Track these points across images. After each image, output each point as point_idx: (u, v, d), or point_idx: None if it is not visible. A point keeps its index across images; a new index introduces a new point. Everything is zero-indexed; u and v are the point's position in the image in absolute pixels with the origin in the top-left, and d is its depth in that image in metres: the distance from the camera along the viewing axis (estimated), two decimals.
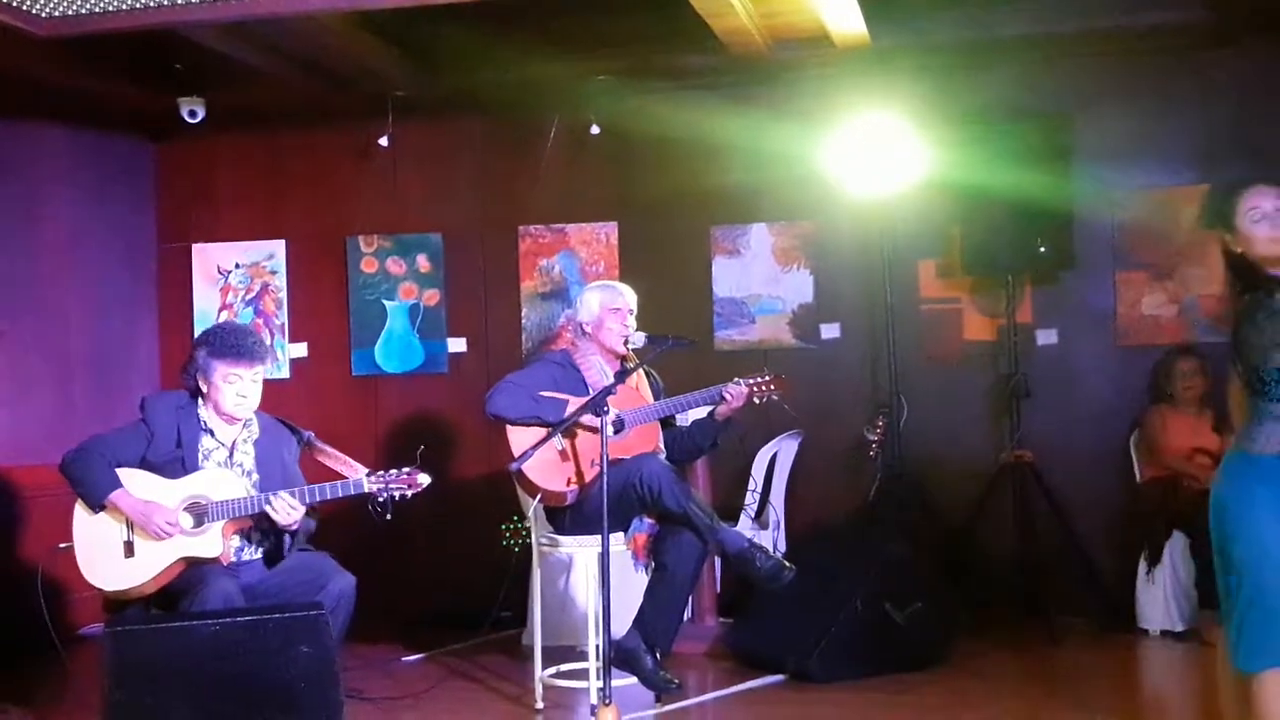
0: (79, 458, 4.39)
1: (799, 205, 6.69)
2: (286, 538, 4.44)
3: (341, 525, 4.88)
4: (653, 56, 6.43)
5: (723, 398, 4.90)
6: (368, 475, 4.42)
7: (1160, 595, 5.84)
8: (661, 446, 5.05)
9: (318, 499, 4.38)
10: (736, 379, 4.92)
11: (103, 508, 4.34)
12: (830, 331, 6.72)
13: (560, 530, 4.99)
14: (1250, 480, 3.13)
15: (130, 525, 4.32)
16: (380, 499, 4.37)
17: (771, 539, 6.12)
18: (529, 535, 5.38)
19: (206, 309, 7.27)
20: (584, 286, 5.68)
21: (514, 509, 5.83)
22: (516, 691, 5.16)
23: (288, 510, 4.30)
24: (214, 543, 4.33)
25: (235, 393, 4.45)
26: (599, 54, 6.40)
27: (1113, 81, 6.46)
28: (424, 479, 4.41)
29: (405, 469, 4.41)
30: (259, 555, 4.49)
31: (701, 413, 5.12)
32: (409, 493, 4.39)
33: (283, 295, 7.25)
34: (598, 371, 5.00)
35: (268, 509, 4.30)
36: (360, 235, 7.16)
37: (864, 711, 4.80)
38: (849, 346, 6.70)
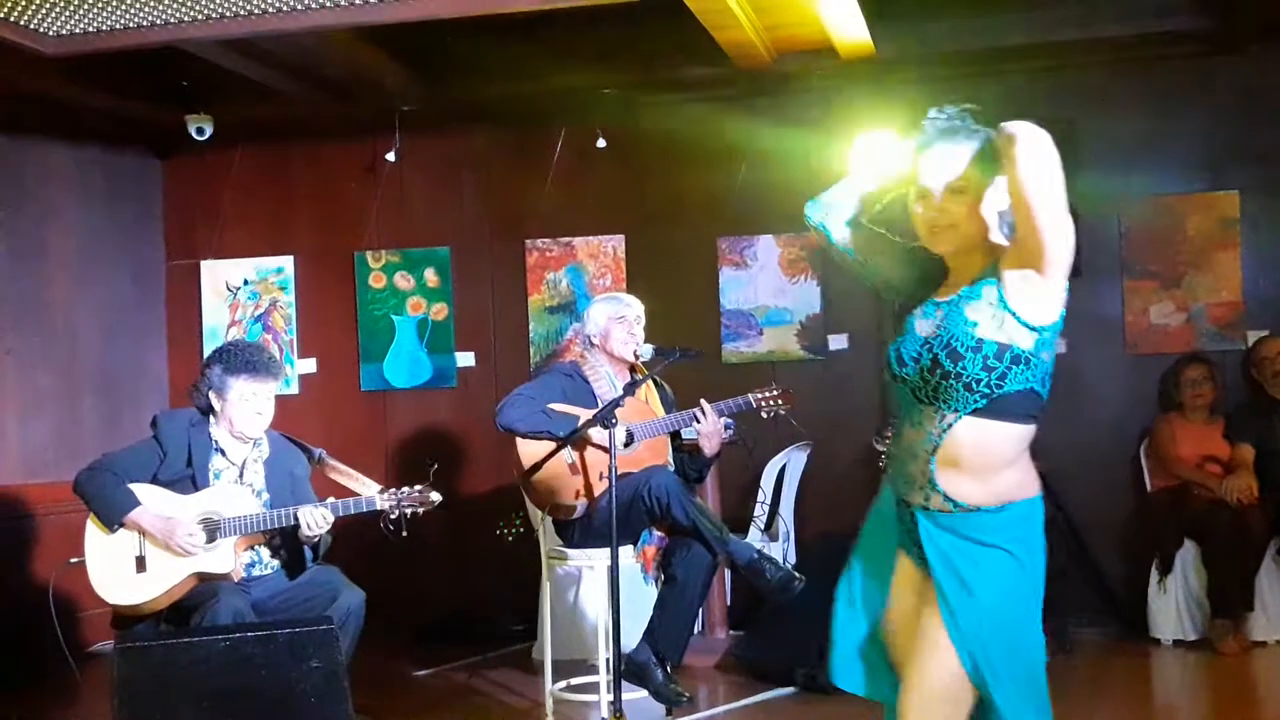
0: (92, 477, 4.40)
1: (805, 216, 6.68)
2: (308, 550, 4.45)
3: (351, 540, 4.88)
4: (658, 69, 6.44)
5: (696, 419, 4.89)
6: (380, 493, 4.43)
7: (1172, 604, 5.82)
8: (670, 460, 5.05)
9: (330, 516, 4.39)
10: (748, 394, 4.92)
11: (120, 526, 4.34)
12: (838, 342, 6.72)
13: (570, 543, 4.98)
14: None
15: (143, 540, 4.33)
16: (393, 516, 4.38)
17: (781, 550, 6.11)
18: (522, 525, 5.39)
19: (215, 325, 7.29)
20: (591, 299, 5.68)
21: (523, 521, 5.83)
22: (527, 705, 5.15)
23: (318, 521, 4.31)
24: (226, 558, 4.34)
25: (252, 410, 4.46)
26: (604, 66, 6.41)
27: (1118, 89, 6.46)
28: (436, 497, 4.42)
29: (418, 487, 4.42)
30: (270, 571, 4.50)
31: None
32: (421, 511, 4.41)
33: (291, 311, 7.26)
34: (606, 383, 5.00)
35: (302, 518, 4.30)
36: (368, 250, 7.18)
37: None
38: (857, 357, 6.69)
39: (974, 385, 2.56)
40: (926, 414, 2.64)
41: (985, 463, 2.60)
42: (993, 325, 2.56)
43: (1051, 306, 2.57)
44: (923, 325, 2.68)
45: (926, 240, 2.70)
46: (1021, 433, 2.63)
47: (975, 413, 2.58)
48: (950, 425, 2.60)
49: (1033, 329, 2.57)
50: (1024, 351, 2.57)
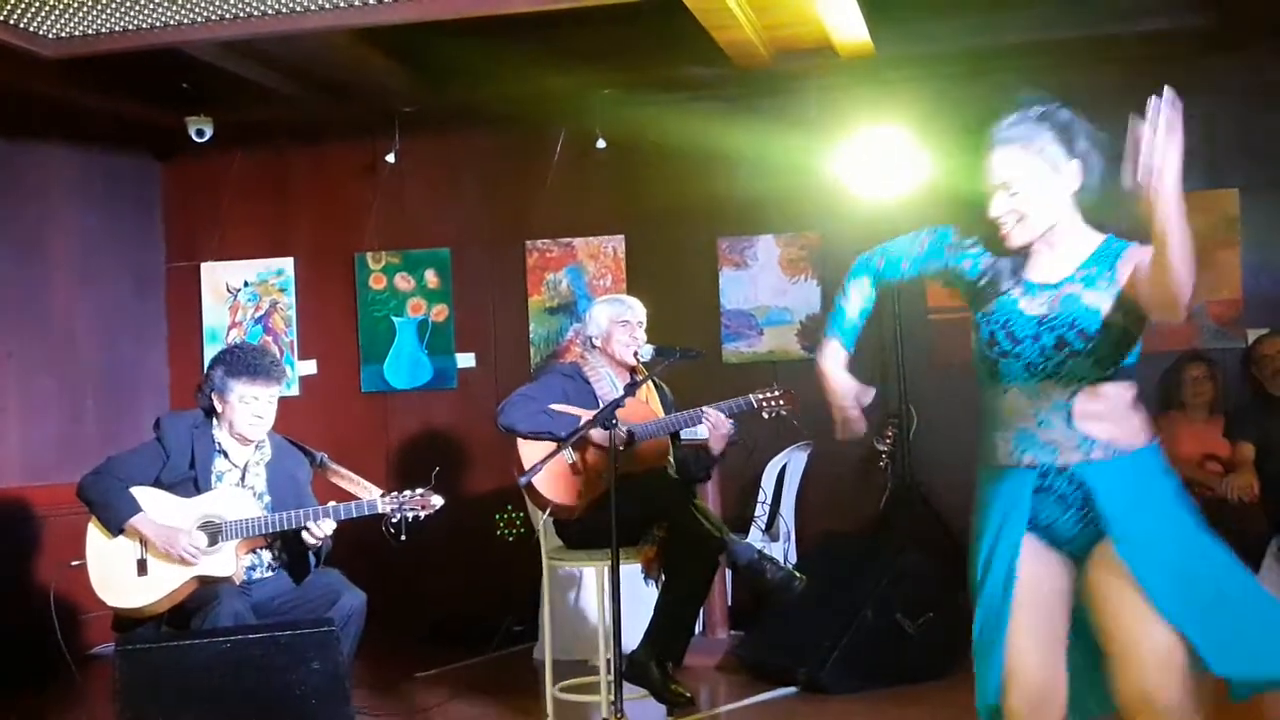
0: (96, 482, 4.40)
1: (805, 216, 6.69)
2: (311, 556, 4.46)
3: (352, 542, 4.87)
4: (657, 69, 6.44)
5: (699, 421, 4.89)
6: (382, 496, 4.43)
7: None
8: (672, 460, 5.05)
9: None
10: (750, 394, 4.92)
11: (121, 531, 4.35)
12: None
13: (570, 544, 4.98)
14: None
15: (144, 544, 4.33)
16: (394, 520, 4.38)
17: (782, 550, 6.11)
18: (522, 525, 5.38)
19: (216, 327, 7.29)
20: (592, 301, 5.68)
21: (523, 521, 5.84)
22: (528, 706, 5.15)
23: (322, 528, 4.32)
24: (227, 562, 4.34)
25: (251, 413, 4.46)
26: (604, 67, 6.41)
27: (1116, 87, 6.42)
28: (437, 501, 4.42)
29: (419, 490, 4.42)
30: (271, 574, 4.50)
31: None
32: (423, 514, 4.40)
33: (291, 312, 7.26)
34: (607, 384, 5.00)
35: (307, 529, 4.31)
36: (368, 251, 7.18)
37: None
38: (858, 357, 6.56)
39: (1104, 361, 2.78)
40: (1045, 385, 2.80)
41: (1118, 414, 2.81)
42: (1117, 311, 2.80)
43: None
44: (1030, 304, 2.87)
45: (1003, 236, 2.93)
46: (1132, 388, 2.85)
47: (1098, 380, 2.79)
48: (1076, 391, 2.79)
49: (1141, 316, 2.82)
50: (1136, 333, 2.82)
